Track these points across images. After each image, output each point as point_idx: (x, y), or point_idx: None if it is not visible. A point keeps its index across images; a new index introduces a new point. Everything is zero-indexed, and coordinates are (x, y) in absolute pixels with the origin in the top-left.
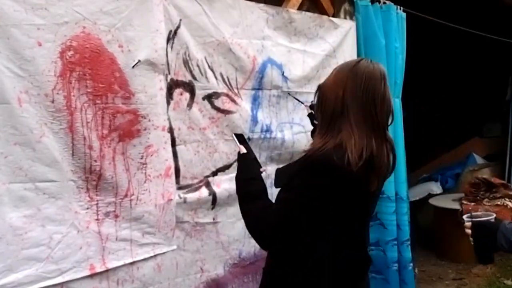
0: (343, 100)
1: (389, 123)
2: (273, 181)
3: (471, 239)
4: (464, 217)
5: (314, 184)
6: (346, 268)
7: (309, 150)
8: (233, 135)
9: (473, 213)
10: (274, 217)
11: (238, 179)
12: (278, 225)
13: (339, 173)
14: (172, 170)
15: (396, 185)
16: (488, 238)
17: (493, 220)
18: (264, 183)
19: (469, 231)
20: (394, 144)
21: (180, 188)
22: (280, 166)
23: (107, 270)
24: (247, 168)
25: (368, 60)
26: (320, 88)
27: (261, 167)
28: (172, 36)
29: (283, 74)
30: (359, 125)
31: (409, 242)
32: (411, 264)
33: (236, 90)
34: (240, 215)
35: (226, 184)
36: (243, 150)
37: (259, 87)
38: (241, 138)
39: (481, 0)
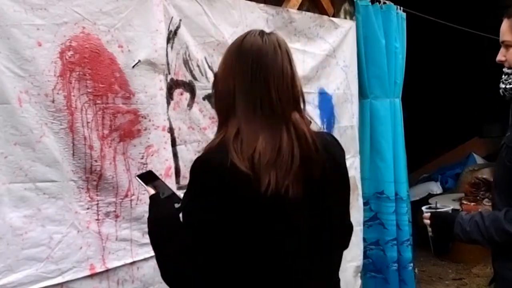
0: (234, 90)
1: (301, 106)
2: None
3: (429, 229)
4: (423, 208)
5: (201, 194)
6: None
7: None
8: (137, 177)
9: (432, 205)
10: (186, 256)
11: (148, 222)
12: (193, 262)
13: (223, 174)
14: (173, 170)
15: (396, 185)
16: (446, 228)
17: (450, 212)
18: (178, 221)
19: (427, 221)
20: (320, 134)
21: (180, 188)
22: None
23: (107, 270)
24: (156, 209)
25: (257, 32)
26: (214, 80)
27: (178, 200)
28: (172, 36)
29: None
30: (247, 114)
31: (409, 242)
32: (411, 264)
33: None
34: None
35: None
36: (151, 191)
37: None
38: (149, 176)
39: (481, 0)
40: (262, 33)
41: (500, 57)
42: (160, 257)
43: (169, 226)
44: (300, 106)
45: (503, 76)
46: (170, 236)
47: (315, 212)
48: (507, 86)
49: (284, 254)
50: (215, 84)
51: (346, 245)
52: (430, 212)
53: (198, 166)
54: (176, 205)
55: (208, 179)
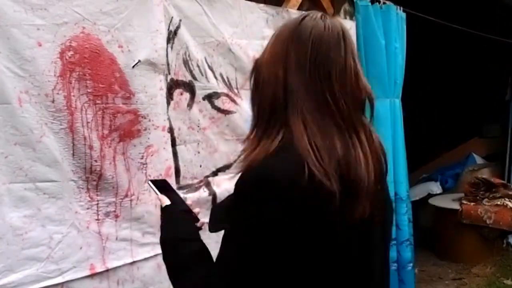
0: (285, 83)
1: (363, 111)
2: None
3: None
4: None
5: (257, 217)
6: None
7: (242, 165)
8: (149, 182)
9: None
10: (221, 278)
11: (162, 242)
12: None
13: (290, 192)
14: (172, 170)
15: (396, 185)
16: None
17: None
18: (201, 242)
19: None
20: (382, 144)
21: (180, 188)
22: None
23: (107, 270)
24: (174, 226)
25: (318, 15)
26: (255, 67)
27: (196, 220)
28: (172, 36)
29: None
30: (313, 112)
31: (408, 242)
32: (411, 264)
33: (236, 90)
34: None
35: (226, 184)
36: (166, 201)
37: None
38: (162, 185)
39: (481, 0)
40: (323, 16)
41: None
42: None
43: (189, 248)
44: (364, 112)
45: None
46: (195, 260)
47: (368, 233)
48: None
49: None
50: (256, 73)
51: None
52: None
53: (255, 182)
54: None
55: (272, 200)
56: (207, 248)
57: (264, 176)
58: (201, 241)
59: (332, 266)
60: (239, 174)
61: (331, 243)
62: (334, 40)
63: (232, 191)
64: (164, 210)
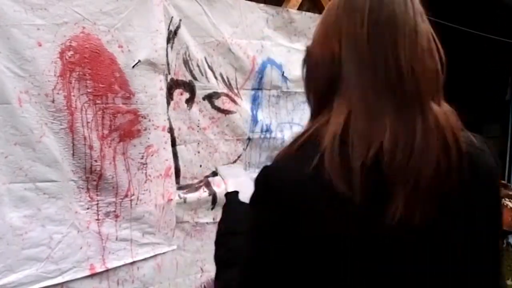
0: (340, 59)
1: (441, 90)
2: None
3: None
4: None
5: (266, 222)
6: None
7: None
8: (217, 168)
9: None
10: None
11: (219, 230)
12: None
13: (292, 199)
14: (172, 170)
15: None
16: None
17: None
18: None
19: None
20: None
21: (180, 188)
22: None
23: (107, 270)
24: (231, 216)
25: None
26: (307, 52)
27: None
28: (172, 36)
29: (282, 74)
30: (365, 96)
31: None
32: None
33: (236, 90)
34: None
35: None
36: (229, 187)
37: (258, 87)
38: (233, 170)
39: (481, 0)
40: None
41: None
42: (222, 281)
43: (239, 242)
44: (441, 90)
45: None
46: (234, 261)
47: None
48: None
49: None
50: (308, 58)
51: None
52: None
53: (260, 184)
54: None
55: (272, 201)
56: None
57: (268, 178)
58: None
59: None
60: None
61: (345, 255)
62: (399, 0)
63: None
64: (226, 196)
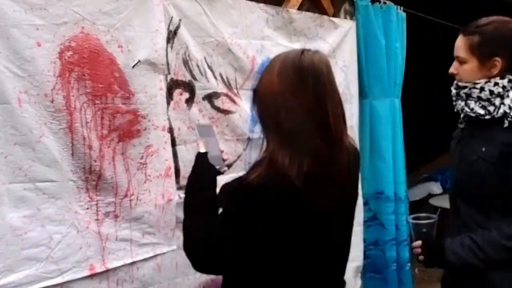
0: (292, 108)
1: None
2: None
3: (421, 257)
4: (409, 219)
5: (240, 213)
6: None
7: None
8: (196, 125)
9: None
10: (217, 241)
11: (187, 185)
12: (220, 250)
13: (261, 194)
14: (172, 170)
15: (395, 185)
16: (436, 256)
17: (434, 222)
18: (213, 193)
19: (418, 250)
20: (357, 147)
21: (180, 188)
22: None
23: (107, 270)
24: (200, 173)
25: (307, 51)
26: (261, 97)
27: (222, 167)
28: (172, 36)
29: None
30: (307, 132)
31: (406, 242)
32: (409, 264)
33: (235, 90)
34: None
35: None
36: (202, 148)
37: None
38: (206, 130)
39: (481, 0)
40: (310, 51)
41: (452, 69)
42: (187, 227)
43: (206, 196)
44: (346, 126)
45: (453, 90)
46: (206, 208)
47: (339, 226)
48: (457, 106)
49: (307, 263)
50: (262, 103)
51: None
52: (413, 223)
53: (235, 190)
54: (218, 168)
55: (248, 201)
56: (214, 199)
57: (240, 185)
58: (214, 191)
59: (300, 244)
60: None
61: (300, 227)
62: (325, 71)
63: None
64: (197, 156)
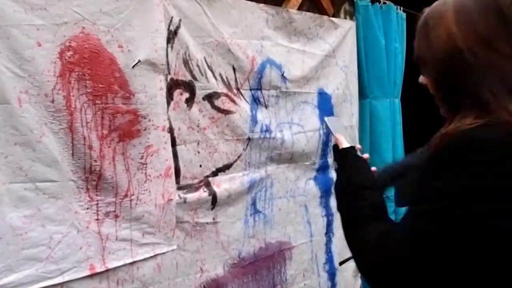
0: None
1: None
2: (272, 181)
3: None
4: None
5: (475, 183)
6: None
7: (440, 137)
8: (326, 119)
9: None
10: (400, 248)
11: (341, 188)
12: (404, 260)
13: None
14: (172, 170)
15: None
16: None
17: None
18: (379, 192)
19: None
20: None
21: (180, 188)
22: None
23: (107, 270)
24: (355, 172)
25: None
26: (447, 55)
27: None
28: (172, 36)
29: (282, 74)
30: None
31: None
32: None
33: (235, 90)
34: (240, 215)
35: (226, 184)
36: (345, 144)
37: (258, 87)
38: (336, 123)
39: None
40: None
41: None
42: (356, 239)
43: (371, 197)
44: None
45: None
46: (376, 212)
47: None
48: None
49: None
50: (445, 62)
51: None
52: None
53: (466, 146)
54: None
55: (488, 166)
56: (384, 200)
57: (478, 139)
58: (377, 189)
59: None
60: (433, 149)
61: None
62: None
63: (231, 191)
64: (342, 153)
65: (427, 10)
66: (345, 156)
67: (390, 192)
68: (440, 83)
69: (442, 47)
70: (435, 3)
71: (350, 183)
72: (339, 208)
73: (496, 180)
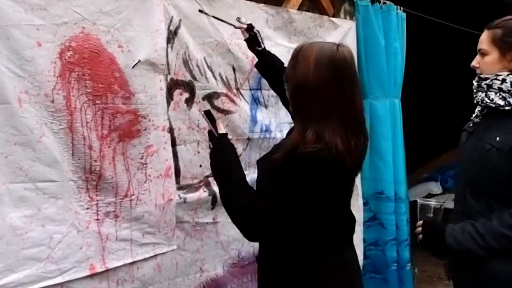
0: (331, 100)
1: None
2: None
3: (420, 236)
4: (418, 199)
5: (309, 179)
6: (336, 234)
7: (292, 145)
8: (203, 112)
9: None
10: (266, 208)
11: (220, 166)
12: (270, 215)
13: (332, 167)
14: (172, 170)
15: (396, 185)
16: (437, 238)
17: (441, 207)
18: (243, 172)
19: (419, 229)
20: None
21: (180, 188)
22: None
23: (107, 270)
24: (229, 153)
25: (341, 47)
26: (299, 85)
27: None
28: (172, 36)
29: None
30: (342, 126)
31: (407, 242)
32: (409, 264)
33: (235, 90)
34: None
35: None
36: (221, 129)
37: (257, 87)
38: (210, 116)
39: (481, 0)
40: (342, 47)
41: (474, 63)
42: (233, 202)
43: (240, 172)
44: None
45: (474, 83)
46: (244, 182)
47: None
48: (477, 98)
49: (344, 199)
50: (302, 90)
51: None
52: (420, 204)
53: (314, 161)
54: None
55: (321, 172)
56: (245, 177)
57: (319, 158)
58: (243, 171)
59: (338, 196)
60: (291, 150)
61: (342, 182)
62: (354, 68)
63: None
64: (220, 138)
65: (302, 47)
66: (221, 140)
67: (390, 192)
68: (293, 99)
69: (299, 78)
70: (308, 44)
71: (226, 163)
72: (218, 180)
73: (312, 179)
